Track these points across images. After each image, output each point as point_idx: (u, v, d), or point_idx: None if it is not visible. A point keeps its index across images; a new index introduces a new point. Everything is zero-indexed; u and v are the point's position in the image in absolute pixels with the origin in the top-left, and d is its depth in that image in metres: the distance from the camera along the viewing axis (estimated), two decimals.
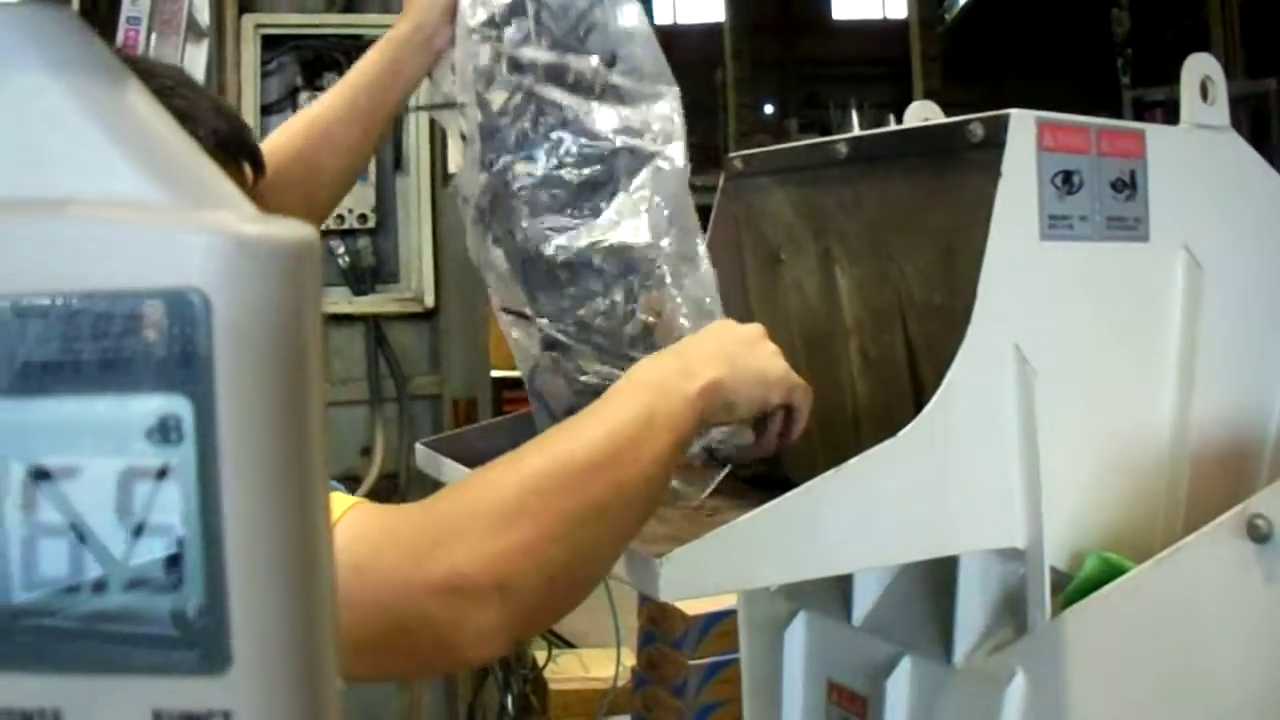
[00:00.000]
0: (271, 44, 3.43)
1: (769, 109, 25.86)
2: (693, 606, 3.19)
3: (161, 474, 0.42)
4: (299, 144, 1.53)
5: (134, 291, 0.42)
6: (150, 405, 0.42)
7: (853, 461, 1.10)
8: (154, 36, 3.26)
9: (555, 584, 0.97)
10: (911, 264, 1.37)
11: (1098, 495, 1.29)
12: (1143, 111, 11.36)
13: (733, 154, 1.65)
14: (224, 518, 0.42)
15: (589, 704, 3.67)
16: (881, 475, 1.12)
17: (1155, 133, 1.34)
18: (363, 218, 3.47)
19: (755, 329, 1.19)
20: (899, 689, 1.40)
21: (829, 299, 1.51)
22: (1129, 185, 1.30)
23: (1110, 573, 1.22)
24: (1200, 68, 1.41)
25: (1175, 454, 1.35)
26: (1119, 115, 10.55)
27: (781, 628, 1.59)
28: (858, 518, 1.12)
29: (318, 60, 3.43)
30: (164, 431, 0.42)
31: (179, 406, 0.42)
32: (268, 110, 3.41)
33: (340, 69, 3.25)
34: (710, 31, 24.42)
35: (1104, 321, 1.30)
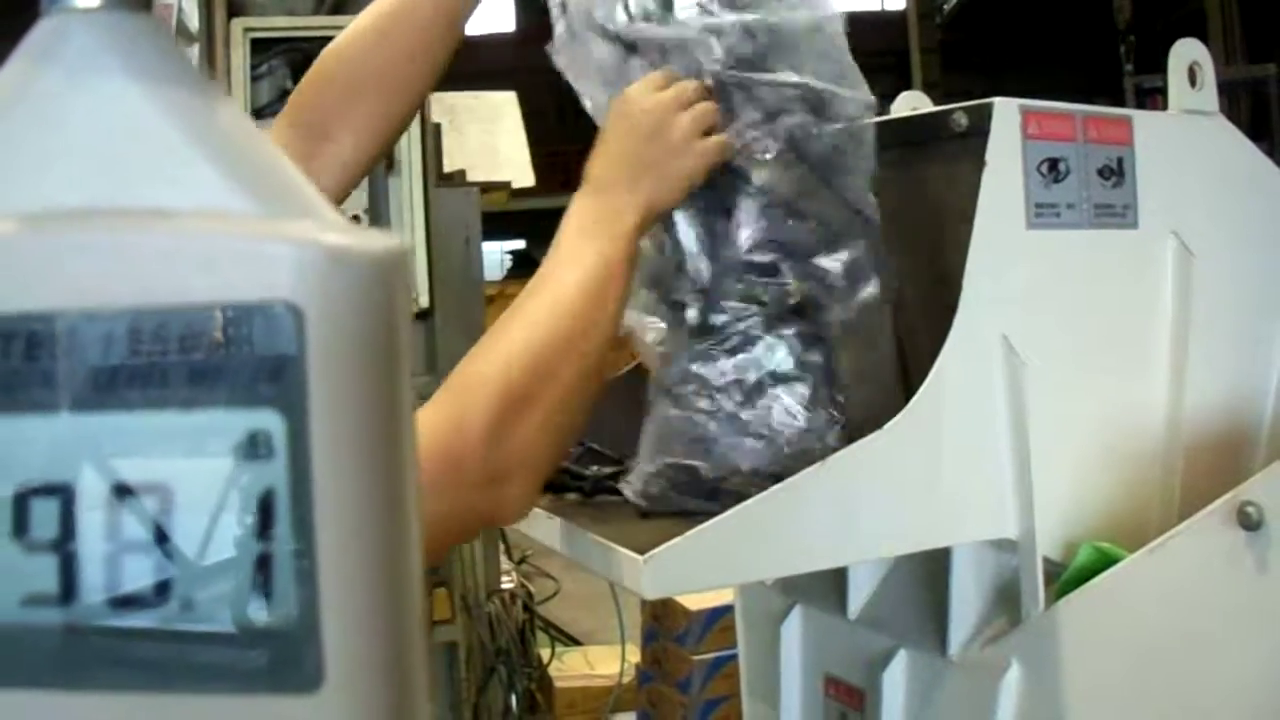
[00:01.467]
0: (261, 48, 3.41)
1: None
2: (695, 602, 3.19)
3: (251, 489, 0.42)
4: (332, 95, 1.40)
5: (225, 305, 0.41)
6: (240, 420, 0.41)
7: (837, 456, 1.10)
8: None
9: (562, 441, 1.08)
10: (899, 255, 1.36)
11: (1090, 484, 1.29)
12: (1144, 98, 11.33)
13: None
14: (318, 533, 0.42)
15: (595, 701, 3.67)
16: (867, 469, 1.12)
17: (1143, 119, 1.34)
18: (355, 218, 3.45)
19: (655, 103, 1.18)
20: (895, 682, 1.39)
21: None
22: (1116, 172, 1.30)
23: (1103, 562, 1.22)
24: (1188, 53, 1.40)
25: (1169, 441, 1.34)
26: (1121, 102, 10.53)
27: (778, 622, 1.58)
28: (844, 512, 1.11)
29: (307, 63, 3.38)
30: (253, 446, 0.41)
31: (270, 421, 0.41)
32: (259, 114, 3.38)
33: None
34: None
35: (1094, 309, 1.30)
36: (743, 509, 1.05)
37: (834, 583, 1.48)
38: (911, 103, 1.71)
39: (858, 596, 1.46)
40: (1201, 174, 1.40)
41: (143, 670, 0.42)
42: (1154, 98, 11.28)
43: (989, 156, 1.19)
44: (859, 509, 1.12)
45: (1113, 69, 12.46)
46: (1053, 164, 1.24)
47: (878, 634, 1.43)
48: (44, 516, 0.42)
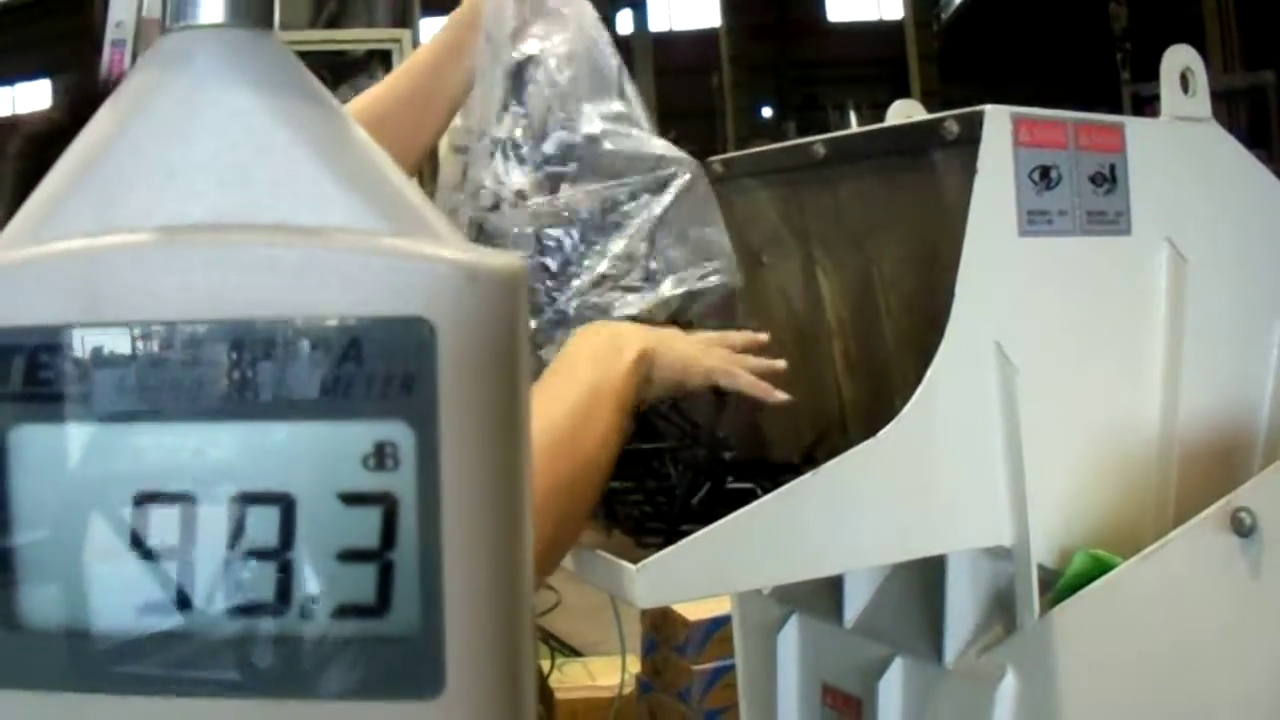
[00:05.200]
0: None
1: (766, 112, 25.90)
2: (694, 612, 3.19)
3: (377, 500, 0.42)
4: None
5: (358, 319, 0.42)
6: (369, 431, 0.42)
7: (831, 463, 1.10)
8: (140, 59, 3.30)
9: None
10: (891, 264, 1.37)
11: (1085, 492, 1.28)
12: (1143, 106, 11.36)
13: (713, 158, 1.64)
14: (443, 543, 0.42)
15: (596, 712, 3.66)
16: (861, 476, 1.12)
17: (1135, 126, 1.34)
18: None
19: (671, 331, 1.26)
20: (891, 691, 1.39)
21: (812, 301, 1.51)
22: (1109, 179, 1.30)
23: (1098, 569, 1.22)
24: (1180, 60, 1.40)
25: (1164, 449, 1.34)
26: (1118, 110, 10.56)
27: (775, 631, 1.59)
28: (838, 519, 1.11)
29: None
30: (380, 458, 0.42)
31: (398, 433, 0.42)
32: None
33: (326, 84, 3.25)
34: (706, 37, 24.53)
35: (1087, 316, 1.30)
36: (735, 518, 1.05)
37: (830, 591, 1.48)
38: (906, 111, 1.71)
39: (854, 605, 1.46)
40: (1195, 180, 1.40)
41: (264, 677, 0.43)
42: (1152, 105, 11.30)
43: (980, 164, 1.19)
44: (852, 516, 1.12)
45: (1110, 77, 12.51)
46: (1044, 171, 1.24)
47: (874, 643, 1.43)
48: (167, 524, 0.43)
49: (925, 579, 1.37)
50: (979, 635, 1.32)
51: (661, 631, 3.33)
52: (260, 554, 0.43)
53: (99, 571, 0.43)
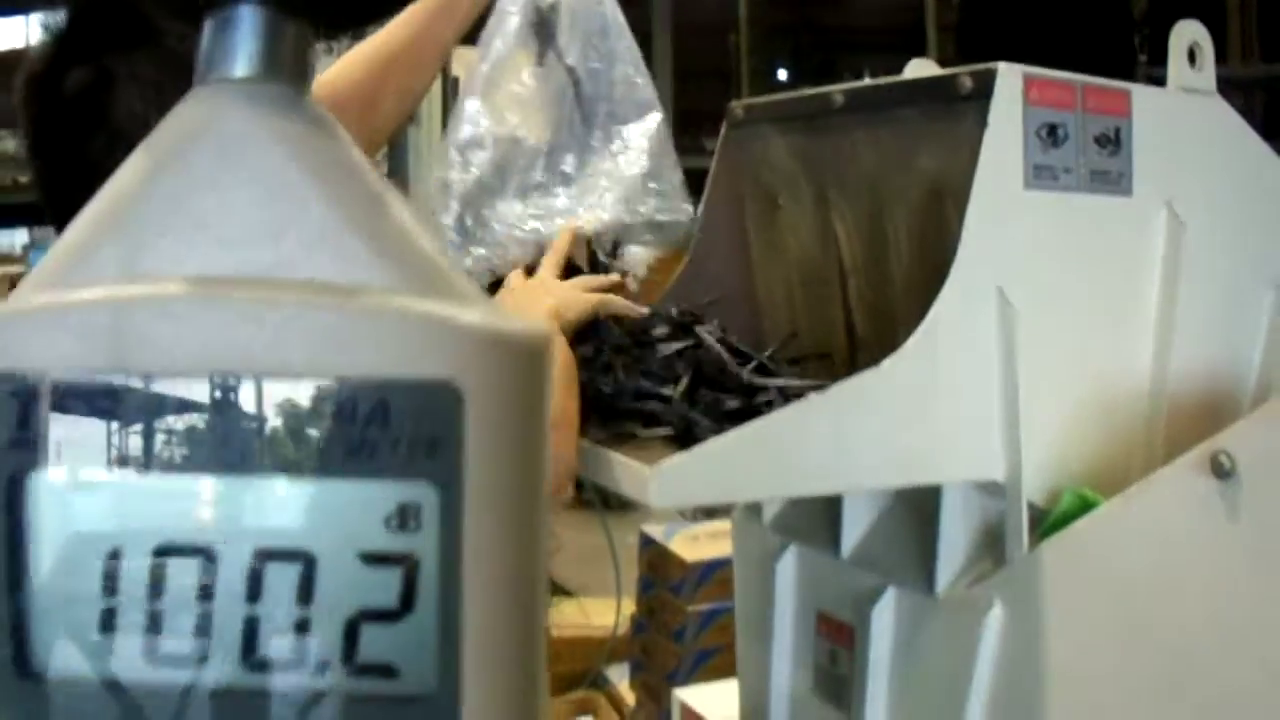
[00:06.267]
0: None
1: (782, 74, 25.71)
2: (691, 553, 3.23)
3: (399, 560, 0.43)
4: (359, 75, 1.57)
5: (385, 380, 0.43)
6: (392, 492, 0.43)
7: (837, 386, 1.16)
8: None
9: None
10: (903, 208, 1.43)
11: (1076, 435, 1.35)
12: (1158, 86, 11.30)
13: (734, 102, 1.70)
14: (464, 604, 0.42)
15: (590, 651, 3.71)
16: (866, 401, 1.18)
17: (1142, 93, 1.39)
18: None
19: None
20: (884, 619, 1.45)
21: (826, 242, 1.57)
22: (1113, 141, 1.36)
23: (1085, 509, 1.28)
24: (1188, 34, 1.46)
25: (1153, 400, 1.41)
26: None
27: (773, 561, 1.64)
28: (841, 441, 1.17)
29: None
30: (403, 518, 0.43)
31: (422, 494, 0.43)
32: None
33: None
34: None
35: (1085, 269, 1.36)
36: (745, 429, 1.11)
37: (828, 524, 1.54)
38: (920, 69, 1.76)
39: (850, 536, 1.52)
40: (1196, 150, 1.46)
41: None
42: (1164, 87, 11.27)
43: (991, 118, 1.25)
44: (856, 439, 1.18)
45: (1127, 59, 12.45)
46: (1051, 129, 1.30)
47: (868, 573, 1.49)
48: (185, 576, 0.43)
49: (920, 514, 1.44)
50: (969, 568, 1.38)
51: (658, 571, 3.38)
52: (279, 610, 0.43)
53: (114, 622, 0.43)
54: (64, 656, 0.43)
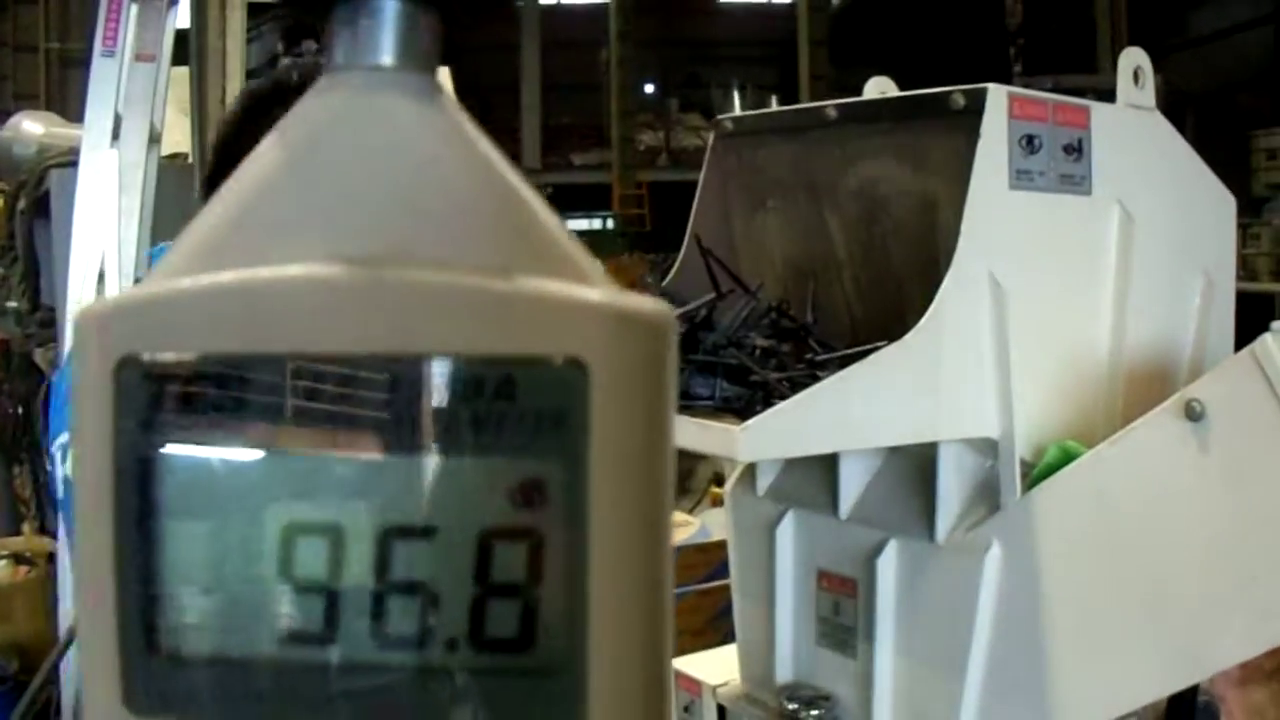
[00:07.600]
0: (254, 12, 3.50)
1: (649, 89, 25.60)
2: None
3: (524, 535, 0.42)
4: None
5: (514, 357, 0.42)
6: (518, 468, 0.42)
7: (874, 355, 1.35)
8: (134, 7, 3.40)
9: None
10: (897, 208, 1.62)
11: (1055, 398, 1.55)
12: None
13: (722, 116, 1.86)
14: (590, 580, 0.42)
15: None
16: (895, 368, 1.36)
17: (1098, 109, 1.61)
18: None
19: None
20: (888, 567, 1.60)
21: (821, 237, 1.74)
22: (1076, 150, 1.57)
23: (1068, 458, 1.47)
24: (1133, 58, 1.68)
25: (1113, 369, 1.62)
26: None
27: (771, 528, 1.77)
28: (878, 401, 1.36)
29: (298, 28, 3.54)
30: (526, 494, 0.42)
31: (548, 470, 0.42)
32: (251, 75, 3.50)
33: (319, 36, 3.35)
34: (595, 12, 24.26)
35: (1057, 256, 1.56)
36: (811, 392, 1.30)
37: (825, 487, 1.69)
38: (880, 87, 1.94)
39: (848, 498, 1.67)
40: (1141, 156, 1.67)
41: (407, 710, 0.43)
42: None
43: (983, 130, 1.44)
44: (887, 401, 1.37)
45: (1002, 70, 12.77)
46: (1029, 139, 1.50)
47: (869, 529, 1.63)
48: (313, 555, 0.43)
49: (914, 472, 1.60)
50: (966, 516, 1.55)
51: None
52: (406, 587, 0.43)
53: (244, 599, 0.44)
54: (195, 634, 0.43)
